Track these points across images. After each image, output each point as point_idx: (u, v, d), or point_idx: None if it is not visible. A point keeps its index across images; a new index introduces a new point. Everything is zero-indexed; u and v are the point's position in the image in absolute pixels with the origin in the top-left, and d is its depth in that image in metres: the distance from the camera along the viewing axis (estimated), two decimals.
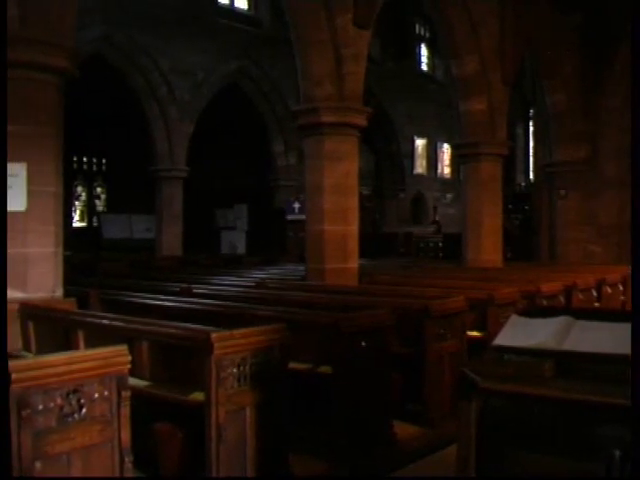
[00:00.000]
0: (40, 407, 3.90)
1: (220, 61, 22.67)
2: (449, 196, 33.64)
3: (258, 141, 25.24)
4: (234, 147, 25.49)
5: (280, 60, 22.06)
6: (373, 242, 22.67)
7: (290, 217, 23.15)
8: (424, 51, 33.62)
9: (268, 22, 24.19)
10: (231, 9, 24.05)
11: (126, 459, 4.29)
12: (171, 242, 21.11)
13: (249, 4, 24.73)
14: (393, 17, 27.56)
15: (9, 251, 6.98)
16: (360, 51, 11.23)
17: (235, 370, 4.98)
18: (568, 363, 3.21)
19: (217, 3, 23.33)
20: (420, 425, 6.89)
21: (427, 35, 33.01)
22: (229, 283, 10.62)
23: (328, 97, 11.00)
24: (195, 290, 9.11)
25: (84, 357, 4.20)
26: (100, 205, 29.87)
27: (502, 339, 3.53)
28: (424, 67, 33.64)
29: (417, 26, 32.67)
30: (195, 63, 22.06)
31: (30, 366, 3.89)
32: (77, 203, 28.94)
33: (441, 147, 33.84)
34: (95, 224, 28.86)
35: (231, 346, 4.94)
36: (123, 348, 4.28)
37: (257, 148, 25.38)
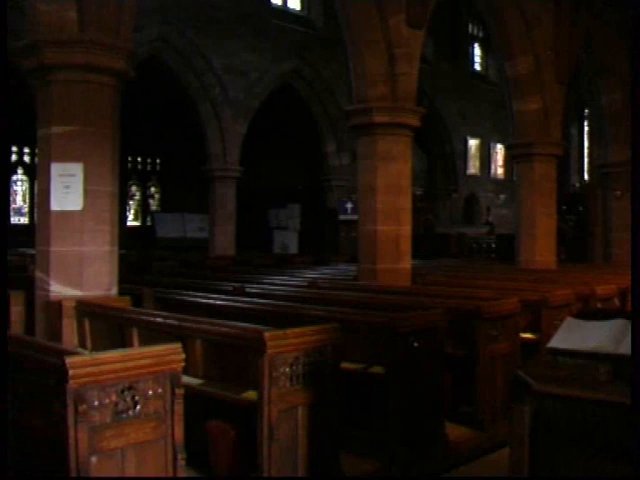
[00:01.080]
0: (96, 403, 3.95)
1: (273, 61, 22.77)
2: (502, 197, 33.36)
3: (311, 141, 25.28)
4: (287, 147, 25.56)
5: (333, 60, 22.08)
6: (425, 243, 22.57)
7: (342, 217, 23.16)
8: (477, 51, 33.41)
9: (321, 23, 24.23)
10: (284, 10, 24.15)
11: (179, 456, 4.32)
12: (224, 241, 21.23)
13: (302, 5, 24.81)
14: (446, 17, 27.44)
15: (65, 249, 7.12)
16: (413, 51, 11.20)
17: (288, 369, 5.00)
18: (624, 367, 3.17)
19: (271, 4, 23.43)
20: (471, 427, 6.85)
21: (480, 35, 32.79)
22: (281, 283, 10.65)
23: (381, 97, 10.99)
24: (247, 289, 9.16)
25: (139, 354, 4.25)
26: (154, 204, 30.17)
27: (557, 342, 3.50)
28: (477, 67, 33.43)
29: (470, 26, 32.48)
30: (249, 63, 22.17)
31: (87, 363, 3.94)
32: (131, 202, 29.28)
33: (494, 147, 33.56)
34: (149, 223, 29.16)
35: (284, 345, 4.96)
36: (177, 346, 4.32)
37: (310, 148, 25.43)
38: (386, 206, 10.85)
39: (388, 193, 10.86)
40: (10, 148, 19.62)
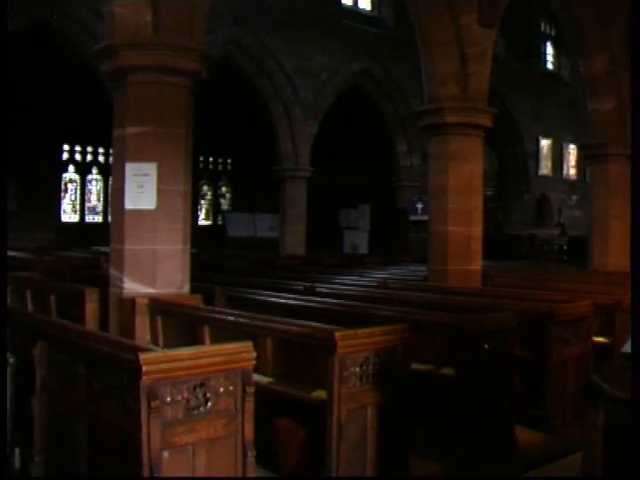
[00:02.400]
0: (168, 399, 4.01)
1: (344, 62, 22.79)
2: (574, 198, 32.84)
3: (381, 141, 25.24)
4: (357, 147, 25.56)
5: (403, 60, 22.02)
6: (496, 244, 22.32)
7: (413, 217, 23.07)
8: (550, 49, 32.94)
9: (391, 23, 24.18)
10: (355, 10, 24.15)
11: (249, 453, 4.36)
12: (294, 241, 21.32)
13: (372, 5, 24.79)
14: (518, 15, 27.09)
15: (139, 247, 7.24)
16: (485, 50, 11.10)
17: (358, 369, 5.01)
18: None
19: (341, 5, 23.46)
20: (541, 431, 6.77)
21: (553, 33, 32.33)
22: (351, 282, 10.65)
23: (453, 97, 10.92)
24: (318, 289, 9.19)
25: (211, 352, 4.30)
26: (225, 204, 30.46)
27: (631, 346, 3.45)
28: (549, 66, 32.95)
29: (543, 24, 32.04)
30: (319, 64, 22.23)
31: (160, 359, 4.00)
32: (203, 202, 29.60)
33: (567, 147, 33.04)
34: (220, 222, 29.43)
35: (354, 345, 4.98)
36: (249, 344, 4.36)
37: (380, 148, 25.39)
38: (457, 207, 10.77)
39: (459, 194, 10.78)
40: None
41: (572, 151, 32.97)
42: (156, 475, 3.94)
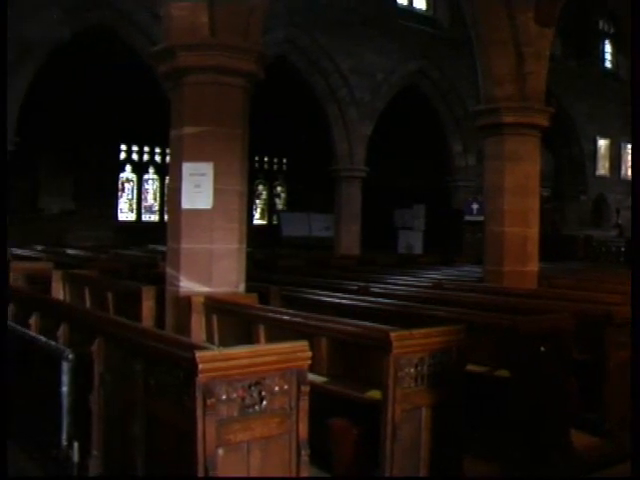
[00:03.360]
0: (224, 397, 4.05)
1: (399, 62, 22.74)
2: None
3: (436, 141, 25.14)
4: (412, 147, 25.48)
5: (459, 60, 21.88)
6: (552, 245, 22.07)
7: (468, 218, 22.93)
8: (608, 48, 32.46)
9: (447, 22, 24.06)
10: (410, 10, 24.08)
11: (303, 452, 4.38)
12: (349, 241, 21.33)
13: (428, 5, 24.69)
14: (575, 14, 26.75)
15: (195, 246, 7.31)
16: (542, 50, 10.98)
17: (412, 370, 5.00)
18: None
19: (397, 5, 23.40)
20: (598, 436, 6.68)
21: (611, 31, 31.86)
22: (405, 283, 10.63)
23: (509, 97, 10.83)
24: (372, 289, 9.18)
25: (267, 351, 4.33)
26: (280, 203, 30.57)
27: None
28: (608, 64, 32.48)
29: (601, 22, 31.56)
30: (375, 64, 22.21)
31: (216, 357, 4.04)
32: (258, 201, 29.74)
33: (625, 148, 32.52)
34: (275, 222, 29.55)
35: (410, 346, 4.97)
36: (304, 344, 4.38)
37: (435, 148, 25.29)
38: (513, 207, 10.68)
39: (516, 194, 10.69)
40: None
41: (630, 151, 32.44)
42: (211, 472, 3.97)
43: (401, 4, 23.70)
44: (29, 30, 15.56)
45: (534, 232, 10.89)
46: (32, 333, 6.51)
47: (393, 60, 22.55)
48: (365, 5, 21.46)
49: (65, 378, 5.53)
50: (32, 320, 6.75)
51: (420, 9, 24.48)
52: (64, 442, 5.54)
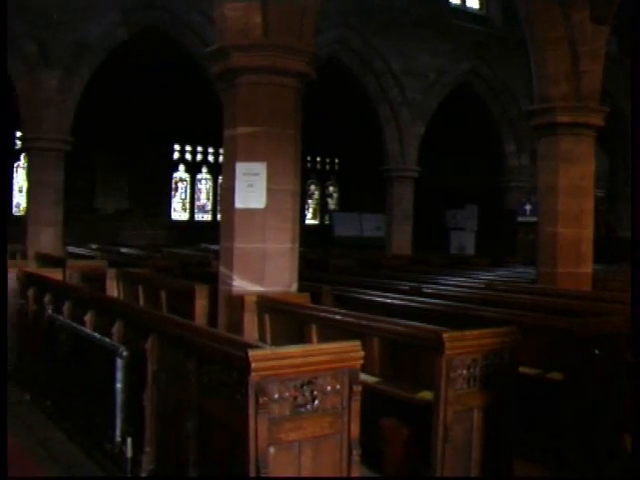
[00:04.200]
0: (276, 396, 4.06)
1: (452, 62, 22.58)
2: None
3: (489, 141, 24.93)
4: (465, 147, 25.32)
5: (512, 59, 21.67)
6: (606, 247, 21.76)
7: (521, 219, 22.70)
8: None
9: (500, 21, 23.83)
10: (463, 9, 23.89)
11: (354, 452, 4.38)
12: (400, 241, 21.25)
13: (480, 3, 24.45)
14: (631, 11, 26.30)
15: (248, 246, 7.35)
16: (597, 48, 10.84)
17: (465, 371, 4.99)
18: None
19: (449, 4, 23.25)
20: None
21: None
22: (457, 283, 10.58)
23: (564, 96, 10.71)
24: (424, 289, 9.16)
25: (319, 350, 4.34)
26: (332, 203, 30.59)
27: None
28: None
29: None
30: (427, 64, 22.09)
31: (268, 356, 4.06)
32: (310, 201, 29.79)
33: None
34: (327, 222, 29.59)
35: (462, 347, 4.95)
36: (357, 344, 4.38)
37: (488, 148, 25.07)
38: (568, 208, 10.57)
39: (570, 195, 10.57)
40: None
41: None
42: (262, 471, 3.99)
43: (454, 4, 23.52)
44: (86, 32, 15.77)
45: (588, 233, 10.77)
46: (87, 330, 6.62)
47: (445, 60, 22.40)
48: (417, 5, 21.34)
49: (119, 375, 5.61)
50: (87, 317, 6.84)
51: (473, 8, 24.26)
52: (118, 438, 5.63)
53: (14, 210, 21.61)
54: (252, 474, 4.00)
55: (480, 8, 24.39)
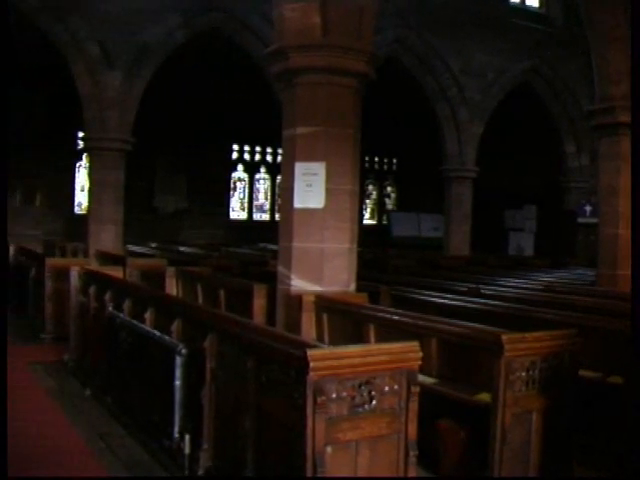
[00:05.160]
0: (334, 395, 4.07)
1: (511, 61, 22.37)
2: None
3: (549, 141, 24.66)
4: (523, 147, 25.10)
5: (573, 58, 21.43)
6: None
7: (581, 220, 22.43)
8: None
9: (560, 20, 23.53)
10: (522, 8, 23.64)
11: (411, 453, 4.36)
12: (459, 241, 21.14)
13: (540, 2, 24.16)
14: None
15: (307, 245, 7.37)
16: None
17: (524, 374, 4.94)
18: None
19: (509, 3, 23.04)
20: None
21: None
22: (515, 285, 10.50)
23: (625, 96, 10.54)
24: (482, 290, 9.10)
25: (378, 350, 4.34)
26: (390, 203, 30.54)
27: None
28: None
29: None
30: (486, 63, 21.93)
31: (327, 356, 4.06)
32: (368, 201, 29.78)
33: None
34: (384, 222, 29.55)
35: (521, 349, 4.91)
36: (415, 344, 4.36)
37: (547, 148, 24.80)
38: (630, 209, 10.40)
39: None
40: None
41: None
42: (319, 470, 4.00)
43: (513, 3, 23.30)
44: (146, 34, 15.97)
45: None
46: (147, 328, 6.69)
47: (504, 59, 22.21)
48: (476, 4, 21.20)
49: (178, 372, 5.67)
50: (147, 315, 6.92)
51: (532, 7, 23.99)
52: (176, 434, 5.69)
53: (76, 209, 21.99)
54: (309, 473, 4.01)
55: (540, 7, 24.11)
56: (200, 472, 5.43)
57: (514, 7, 23.26)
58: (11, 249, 15.99)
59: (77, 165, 22.24)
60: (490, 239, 24.66)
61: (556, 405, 5.13)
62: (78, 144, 21.00)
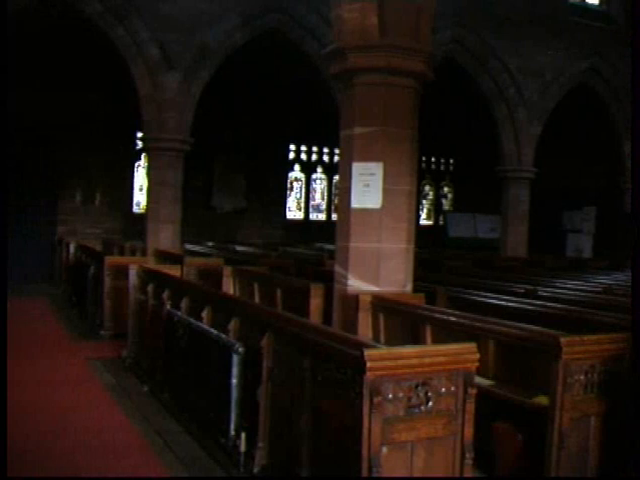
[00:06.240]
0: (390, 396, 4.07)
1: (570, 60, 22.10)
2: None
3: (608, 142, 24.31)
4: (581, 147, 24.78)
5: None
6: None
7: None
8: None
9: (622, 18, 23.16)
10: (582, 6, 23.30)
11: (467, 455, 4.35)
12: (516, 243, 20.93)
13: (600, 0, 23.82)
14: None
15: (364, 245, 7.38)
16: None
17: (582, 377, 4.89)
18: None
19: (567, 0, 22.73)
20: None
21: None
22: (573, 287, 10.38)
23: None
24: (539, 292, 9.02)
25: (435, 352, 4.33)
26: (446, 204, 30.37)
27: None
28: None
29: None
30: (544, 63, 21.68)
31: (384, 356, 4.07)
32: (424, 202, 29.65)
33: None
34: (441, 222, 29.41)
35: (580, 352, 4.86)
36: (472, 346, 4.34)
37: (607, 149, 24.45)
38: None
39: None
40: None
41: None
42: (375, 470, 4.01)
43: (573, 1, 22.97)
44: (206, 35, 16.10)
45: None
46: (204, 326, 6.76)
47: (563, 59, 21.93)
48: (534, 3, 20.98)
49: (235, 370, 5.72)
50: (204, 313, 6.98)
51: (592, 5, 23.63)
52: (232, 432, 5.74)
53: (134, 208, 22.26)
54: (364, 473, 4.02)
55: (600, 4, 23.75)
56: (255, 470, 5.47)
57: (573, 5, 22.95)
58: (71, 247, 16.33)
59: (136, 165, 22.49)
60: (548, 240, 24.41)
61: (615, 410, 5.06)
62: (137, 144, 21.27)
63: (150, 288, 8.75)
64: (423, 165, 28.54)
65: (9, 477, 4.21)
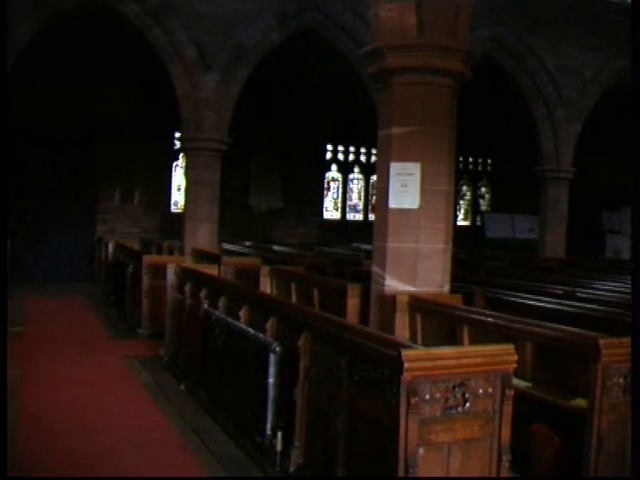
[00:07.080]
0: (427, 396, 4.06)
1: (609, 58, 21.87)
2: None
3: None
4: (622, 147, 24.50)
5: None
6: None
7: None
8: None
9: None
10: (620, 3, 23.04)
11: (504, 457, 4.33)
12: (554, 243, 20.75)
13: None
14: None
15: (401, 246, 7.37)
16: None
17: (621, 380, 4.84)
18: None
19: None
20: None
21: None
22: (612, 288, 10.28)
23: None
24: (578, 293, 8.95)
25: (473, 352, 4.32)
26: (484, 204, 30.21)
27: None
28: None
29: None
30: (582, 61, 21.48)
31: (421, 357, 4.07)
32: (462, 202, 29.52)
33: None
34: (478, 223, 29.26)
35: (619, 354, 4.81)
36: (510, 347, 4.33)
37: None
38: None
39: None
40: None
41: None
42: (411, 470, 4.01)
43: None
44: (242, 35, 16.15)
45: None
46: (242, 325, 6.79)
47: (602, 57, 21.70)
48: (572, 1, 20.79)
49: (272, 370, 5.75)
50: (242, 313, 7.02)
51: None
52: (268, 431, 5.76)
53: (172, 208, 22.39)
54: (401, 474, 4.02)
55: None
56: (291, 469, 5.49)
57: (611, 2, 22.70)
58: (110, 246, 16.47)
59: (174, 164, 22.62)
60: (586, 241, 24.18)
61: None
62: (175, 144, 21.40)
63: (188, 287, 8.80)
64: (460, 165, 28.39)
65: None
